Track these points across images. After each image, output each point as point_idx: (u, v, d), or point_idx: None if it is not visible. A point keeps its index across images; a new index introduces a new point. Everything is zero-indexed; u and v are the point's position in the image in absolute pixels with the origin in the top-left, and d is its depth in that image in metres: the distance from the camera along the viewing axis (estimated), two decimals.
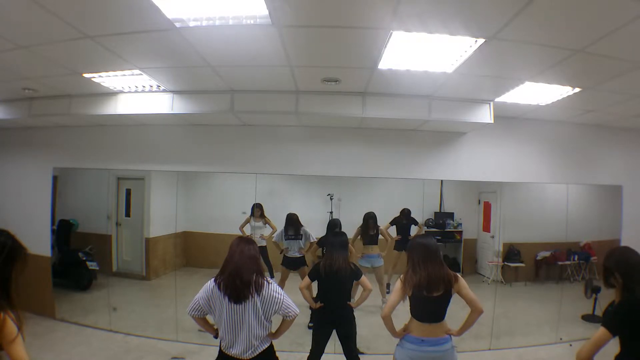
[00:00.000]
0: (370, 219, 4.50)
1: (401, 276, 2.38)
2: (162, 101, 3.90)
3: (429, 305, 2.28)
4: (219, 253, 5.47)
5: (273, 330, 2.28)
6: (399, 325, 2.41)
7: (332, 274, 2.95)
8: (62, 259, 4.97)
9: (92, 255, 5.00)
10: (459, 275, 2.34)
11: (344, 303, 3.02)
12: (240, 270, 2.11)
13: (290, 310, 2.19)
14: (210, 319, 2.28)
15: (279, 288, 2.23)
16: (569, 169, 4.62)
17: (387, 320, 2.37)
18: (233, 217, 4.80)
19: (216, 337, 2.25)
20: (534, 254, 5.03)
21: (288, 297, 2.23)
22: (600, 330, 1.73)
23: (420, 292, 2.26)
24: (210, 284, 2.19)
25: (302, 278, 4.39)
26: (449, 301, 2.30)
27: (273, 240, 4.61)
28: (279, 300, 2.17)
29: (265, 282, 2.18)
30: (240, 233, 4.70)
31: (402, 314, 2.39)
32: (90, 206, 5.16)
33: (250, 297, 2.10)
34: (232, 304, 2.10)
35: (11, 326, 1.44)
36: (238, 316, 2.11)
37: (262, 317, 2.15)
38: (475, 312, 2.34)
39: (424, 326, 2.29)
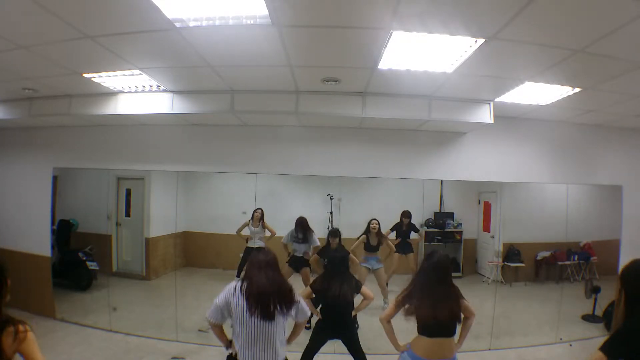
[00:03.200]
0: (371, 223, 4.53)
1: (397, 297, 2.30)
2: (162, 101, 3.90)
3: (437, 322, 2.16)
4: (219, 253, 5.49)
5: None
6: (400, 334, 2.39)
7: (333, 296, 2.94)
8: (62, 259, 4.97)
9: (92, 255, 5.00)
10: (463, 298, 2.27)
11: (346, 315, 3.02)
12: (271, 295, 2.06)
13: (301, 315, 2.20)
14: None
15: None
16: (569, 169, 4.61)
17: (384, 324, 2.34)
18: (233, 217, 4.80)
19: (227, 348, 2.20)
20: (534, 254, 5.03)
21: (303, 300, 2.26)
22: (597, 354, 1.61)
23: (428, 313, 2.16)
24: (235, 288, 2.11)
25: (304, 279, 4.42)
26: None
27: (282, 242, 4.61)
28: (297, 303, 2.18)
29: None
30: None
31: (404, 321, 2.37)
32: (90, 206, 5.16)
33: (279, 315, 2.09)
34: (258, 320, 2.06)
35: (31, 335, 1.53)
36: (261, 329, 2.06)
37: (284, 327, 2.14)
38: (472, 317, 2.33)
39: (431, 343, 2.15)
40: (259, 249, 2.32)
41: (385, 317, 2.34)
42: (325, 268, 3.15)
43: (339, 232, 4.27)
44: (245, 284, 2.09)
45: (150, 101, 3.92)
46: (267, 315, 2.03)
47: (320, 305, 3.09)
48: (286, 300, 2.10)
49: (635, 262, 1.77)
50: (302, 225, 4.48)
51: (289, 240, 4.57)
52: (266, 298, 2.03)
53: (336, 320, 3.00)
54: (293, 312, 2.16)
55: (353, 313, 3.04)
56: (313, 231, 4.52)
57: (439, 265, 2.22)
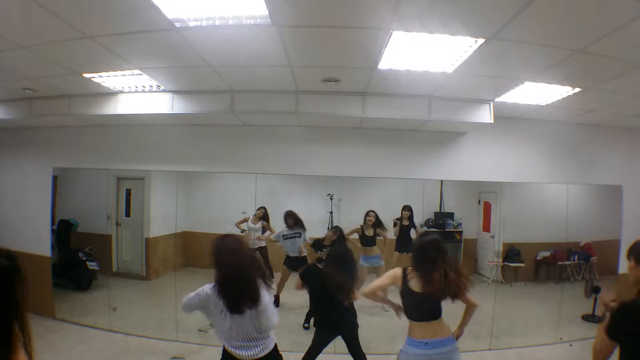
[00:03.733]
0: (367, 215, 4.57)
1: (396, 271, 2.33)
2: (162, 101, 3.90)
3: (422, 304, 2.22)
4: None
5: None
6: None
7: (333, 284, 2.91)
8: (62, 259, 4.97)
9: (92, 255, 5.00)
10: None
11: (344, 308, 2.97)
12: (245, 280, 2.01)
13: (265, 320, 2.08)
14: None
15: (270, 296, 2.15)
16: (569, 169, 4.61)
17: (370, 295, 2.37)
18: (233, 217, 4.80)
19: None
20: (534, 254, 5.04)
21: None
22: (601, 335, 1.65)
23: (410, 291, 2.23)
24: (207, 290, 2.08)
25: None
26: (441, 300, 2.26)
27: (273, 238, 4.60)
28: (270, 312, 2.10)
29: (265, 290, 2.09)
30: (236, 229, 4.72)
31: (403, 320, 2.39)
32: (90, 206, 5.16)
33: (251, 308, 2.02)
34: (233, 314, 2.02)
35: None
36: (240, 321, 2.04)
37: (264, 316, 2.07)
38: (473, 307, 2.33)
39: (423, 326, 2.22)
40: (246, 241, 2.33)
41: (373, 286, 2.36)
42: (333, 256, 3.09)
43: (340, 230, 4.23)
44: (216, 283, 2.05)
45: (150, 101, 3.92)
46: (235, 310, 1.99)
47: (318, 300, 3.05)
48: (253, 296, 2.02)
49: None
50: (293, 219, 4.46)
51: (280, 240, 4.55)
52: (234, 291, 1.99)
53: (335, 313, 2.96)
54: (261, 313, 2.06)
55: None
56: (305, 229, 4.51)
57: (426, 245, 2.27)
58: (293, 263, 4.46)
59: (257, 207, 4.75)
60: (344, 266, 2.96)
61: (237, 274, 2.02)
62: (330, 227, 4.72)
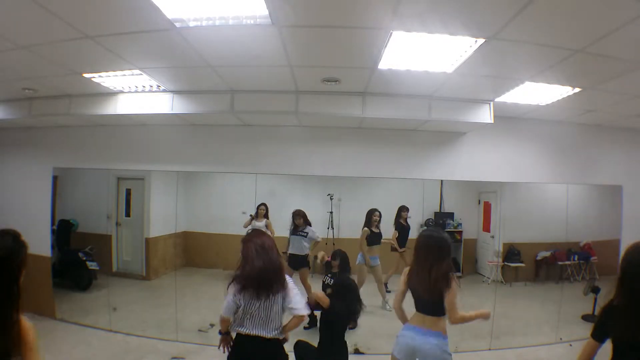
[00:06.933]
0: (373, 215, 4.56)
1: (405, 270, 2.48)
2: (162, 101, 3.90)
3: (419, 299, 2.38)
4: (219, 253, 5.50)
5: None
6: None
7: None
8: (62, 259, 4.97)
9: (92, 255, 4.99)
10: (454, 281, 2.31)
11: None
12: (268, 270, 2.24)
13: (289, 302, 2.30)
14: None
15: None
16: (569, 169, 4.61)
17: (397, 312, 2.53)
18: (233, 217, 4.81)
19: (220, 333, 2.40)
20: (534, 254, 5.03)
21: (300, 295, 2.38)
22: (588, 340, 1.76)
23: (416, 288, 2.38)
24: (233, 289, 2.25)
25: (302, 279, 4.43)
26: (443, 298, 2.30)
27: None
28: (295, 294, 2.32)
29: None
30: (243, 233, 4.70)
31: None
32: (90, 206, 5.16)
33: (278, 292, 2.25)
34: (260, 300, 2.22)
35: (34, 332, 1.39)
36: (258, 307, 2.23)
37: (280, 308, 2.29)
38: (451, 316, 2.33)
39: (420, 316, 2.36)
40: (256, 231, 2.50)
41: (397, 297, 2.52)
42: (338, 289, 3.07)
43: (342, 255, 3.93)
44: (240, 270, 2.26)
45: (150, 101, 3.92)
46: (261, 295, 2.21)
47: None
48: (280, 280, 2.26)
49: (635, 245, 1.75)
50: (302, 217, 4.46)
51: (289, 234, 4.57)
52: (262, 279, 2.21)
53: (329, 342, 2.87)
54: (285, 298, 2.29)
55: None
56: (310, 225, 4.51)
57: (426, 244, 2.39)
58: (293, 260, 4.46)
59: (257, 205, 4.72)
60: (350, 295, 2.97)
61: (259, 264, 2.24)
62: (329, 227, 4.71)
